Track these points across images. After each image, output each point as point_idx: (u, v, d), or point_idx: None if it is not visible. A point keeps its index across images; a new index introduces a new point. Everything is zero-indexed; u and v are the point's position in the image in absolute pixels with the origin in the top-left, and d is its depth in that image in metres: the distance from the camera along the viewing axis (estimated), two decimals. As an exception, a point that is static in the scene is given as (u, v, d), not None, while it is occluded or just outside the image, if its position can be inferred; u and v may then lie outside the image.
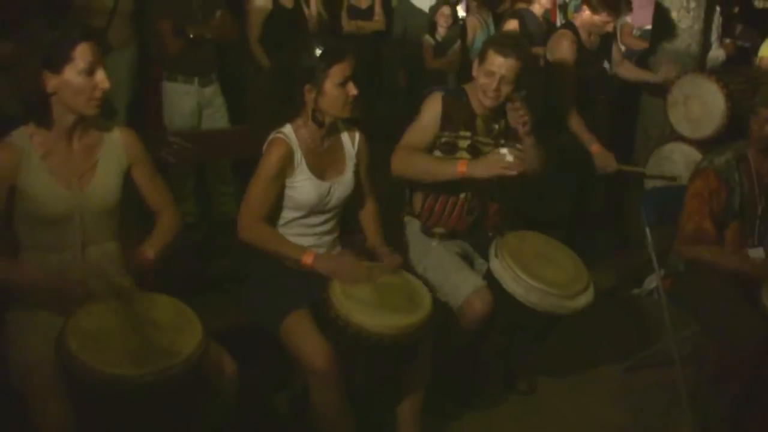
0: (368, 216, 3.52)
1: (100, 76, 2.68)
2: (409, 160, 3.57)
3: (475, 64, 3.64)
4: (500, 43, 3.58)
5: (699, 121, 4.81)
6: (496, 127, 3.70)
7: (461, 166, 3.49)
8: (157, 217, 3.04)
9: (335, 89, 3.11)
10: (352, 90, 3.14)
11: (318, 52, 3.08)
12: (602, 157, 4.82)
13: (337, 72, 3.10)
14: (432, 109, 3.61)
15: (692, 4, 5.28)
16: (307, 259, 3.12)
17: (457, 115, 3.62)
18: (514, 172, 3.39)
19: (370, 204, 3.53)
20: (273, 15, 5.67)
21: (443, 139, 3.61)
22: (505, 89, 3.54)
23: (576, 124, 4.85)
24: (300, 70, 3.12)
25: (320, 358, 2.99)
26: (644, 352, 4.20)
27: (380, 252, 3.33)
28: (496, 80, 3.53)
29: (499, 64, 3.52)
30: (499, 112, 3.67)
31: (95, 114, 2.75)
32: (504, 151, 3.41)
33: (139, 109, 5.59)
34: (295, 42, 3.28)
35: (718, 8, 7.10)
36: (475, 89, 3.65)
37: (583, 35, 4.93)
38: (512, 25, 6.57)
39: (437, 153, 3.63)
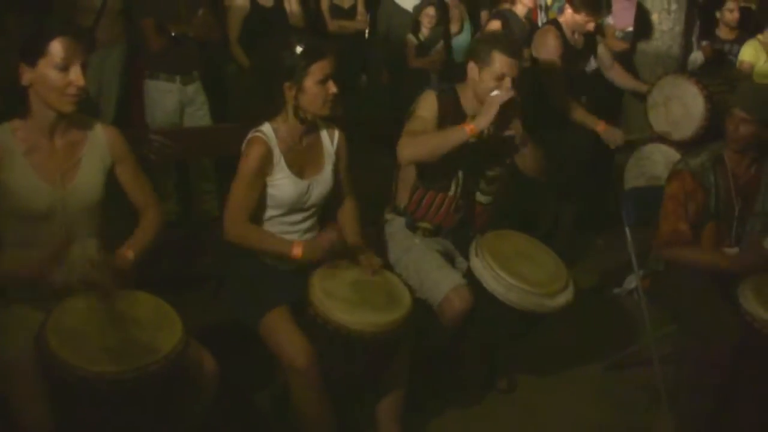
0: (347, 214, 3.52)
1: (75, 73, 2.65)
2: (417, 141, 3.49)
3: (473, 66, 3.59)
4: (504, 42, 3.55)
5: (679, 123, 4.83)
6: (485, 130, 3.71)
7: (469, 125, 3.42)
8: (140, 214, 3.04)
9: (315, 87, 3.12)
10: (332, 88, 3.14)
11: (299, 50, 3.09)
12: (609, 133, 4.91)
13: (318, 70, 3.11)
14: (429, 106, 3.59)
15: (673, 6, 5.32)
16: (297, 251, 3.10)
17: (450, 112, 3.62)
18: (511, 94, 3.39)
19: (349, 202, 3.52)
20: (252, 14, 5.67)
21: None
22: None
23: (576, 111, 4.90)
24: (280, 68, 3.12)
25: (300, 355, 3.01)
26: (624, 351, 4.22)
27: (359, 255, 3.31)
28: (508, 82, 3.50)
29: (510, 65, 3.50)
30: None
31: (71, 111, 2.73)
32: (494, 92, 3.42)
33: (128, 106, 5.60)
34: (275, 40, 3.28)
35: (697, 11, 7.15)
36: (467, 90, 3.65)
37: (568, 33, 4.97)
38: (495, 26, 6.58)
39: None
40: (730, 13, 6.95)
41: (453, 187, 3.68)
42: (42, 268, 2.66)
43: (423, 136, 3.50)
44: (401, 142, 3.50)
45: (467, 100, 3.66)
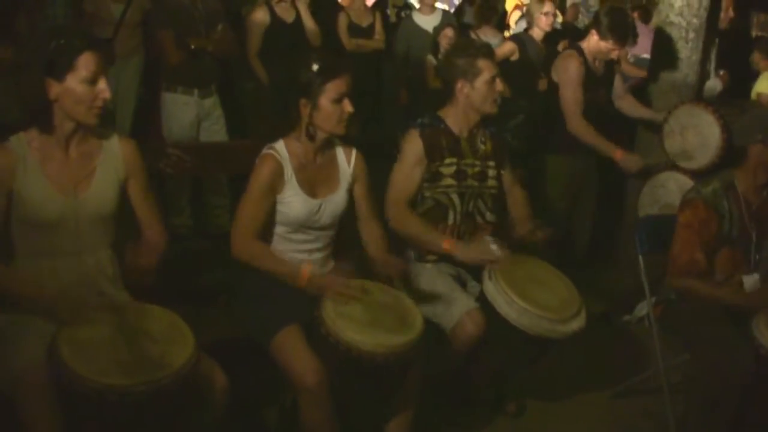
0: (373, 238, 3.42)
1: (102, 85, 2.71)
2: (404, 223, 3.60)
3: (463, 84, 3.64)
4: (478, 48, 3.71)
5: (695, 152, 4.82)
6: (483, 147, 3.74)
7: (446, 244, 3.56)
8: (143, 232, 3.03)
9: (330, 105, 3.13)
10: (348, 107, 3.15)
11: (315, 67, 3.10)
12: (628, 161, 4.87)
13: (333, 88, 3.12)
14: (413, 148, 3.63)
15: (691, 35, 5.30)
16: (302, 283, 3.10)
17: (438, 143, 3.65)
18: (496, 258, 3.49)
19: (374, 227, 3.45)
20: (272, 29, 5.71)
21: (431, 170, 3.65)
22: None
23: (593, 138, 4.87)
24: (296, 85, 3.14)
25: (310, 374, 3.00)
26: (633, 378, 4.20)
27: (382, 259, 3.31)
28: (499, 83, 3.64)
29: (494, 64, 3.65)
30: (481, 131, 3.75)
31: (95, 123, 2.77)
32: (493, 246, 3.51)
33: (146, 118, 5.63)
34: (293, 56, 3.29)
35: (716, 41, 7.14)
36: (453, 112, 3.70)
37: (589, 59, 4.94)
38: (508, 46, 6.59)
39: (424, 185, 3.66)
40: None
41: (452, 216, 3.69)
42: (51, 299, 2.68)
43: (408, 224, 3.61)
44: (390, 210, 3.61)
45: (456, 121, 3.72)
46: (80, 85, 2.67)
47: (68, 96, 2.69)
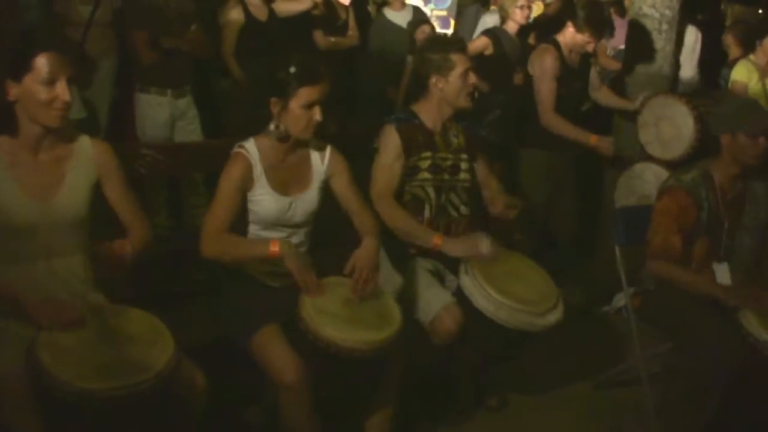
0: (367, 230, 3.35)
1: (61, 88, 2.66)
2: (392, 218, 3.61)
3: (437, 80, 3.67)
4: (450, 42, 3.76)
5: (669, 143, 4.86)
6: (455, 140, 3.77)
7: (437, 239, 3.58)
8: (127, 233, 2.99)
9: (299, 110, 3.10)
10: (317, 115, 3.11)
11: (292, 69, 3.08)
12: (604, 143, 4.91)
13: (305, 94, 3.08)
14: (390, 143, 3.64)
15: (664, 26, 5.33)
16: (274, 248, 3.06)
17: (415, 138, 3.67)
18: (484, 254, 3.51)
19: (366, 217, 3.39)
20: (246, 28, 5.68)
21: (409, 165, 3.65)
22: None
23: (566, 129, 4.89)
24: (271, 83, 3.11)
25: (290, 372, 3.00)
26: (613, 369, 4.23)
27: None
28: (472, 76, 3.66)
29: (465, 60, 3.67)
30: (453, 125, 3.78)
31: (59, 126, 2.73)
32: (484, 242, 3.52)
33: (121, 119, 5.59)
34: (268, 54, 3.27)
35: (699, 34, 7.20)
36: (427, 107, 3.73)
37: (565, 52, 4.95)
38: (482, 41, 6.59)
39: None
40: None
41: (428, 209, 3.71)
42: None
43: (397, 218, 3.62)
44: (378, 205, 3.59)
45: (430, 117, 3.75)
46: (38, 86, 2.63)
47: (27, 97, 2.65)
